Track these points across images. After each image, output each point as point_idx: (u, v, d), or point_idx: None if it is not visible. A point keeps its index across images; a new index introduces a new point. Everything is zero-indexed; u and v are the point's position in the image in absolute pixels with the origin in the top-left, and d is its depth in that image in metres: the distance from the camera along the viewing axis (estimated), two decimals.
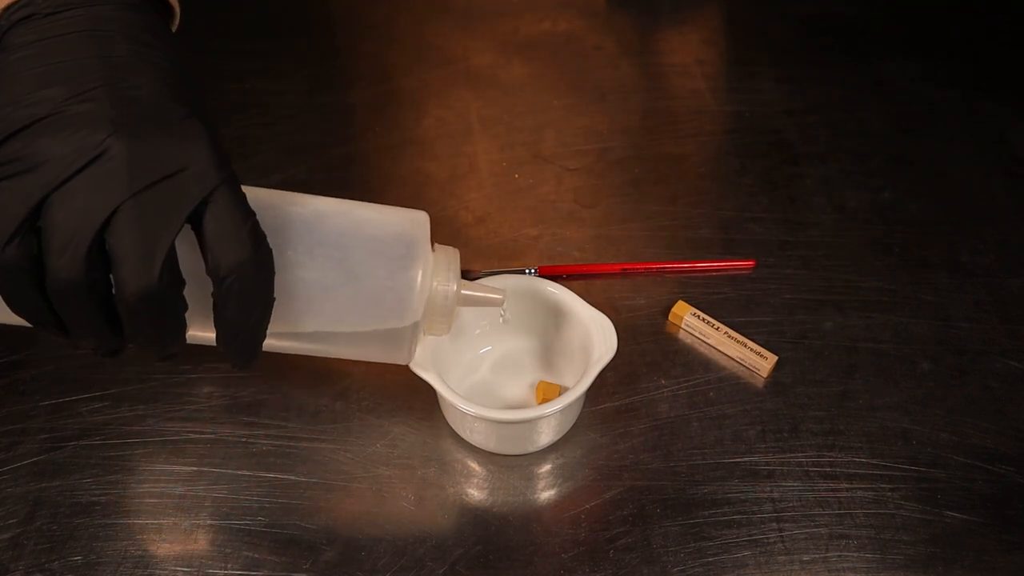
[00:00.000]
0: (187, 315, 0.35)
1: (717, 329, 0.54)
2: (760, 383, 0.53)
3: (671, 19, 0.54)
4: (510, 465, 0.49)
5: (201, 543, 0.46)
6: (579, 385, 0.46)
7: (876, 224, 0.63)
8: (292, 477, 0.49)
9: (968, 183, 0.66)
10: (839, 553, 0.46)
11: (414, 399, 0.52)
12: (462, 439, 0.50)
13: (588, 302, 0.49)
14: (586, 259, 0.60)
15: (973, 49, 0.78)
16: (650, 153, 0.68)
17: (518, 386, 0.52)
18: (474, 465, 0.49)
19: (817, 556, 0.46)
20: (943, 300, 0.58)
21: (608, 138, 0.69)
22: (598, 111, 0.72)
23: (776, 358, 0.53)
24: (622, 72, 0.76)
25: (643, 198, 0.65)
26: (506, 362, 0.53)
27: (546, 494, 0.48)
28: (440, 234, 0.61)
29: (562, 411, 0.46)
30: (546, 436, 0.49)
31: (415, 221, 0.43)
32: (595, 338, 0.48)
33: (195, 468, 0.49)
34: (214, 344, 0.37)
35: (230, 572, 0.45)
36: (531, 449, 0.49)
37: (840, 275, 0.59)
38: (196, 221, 0.33)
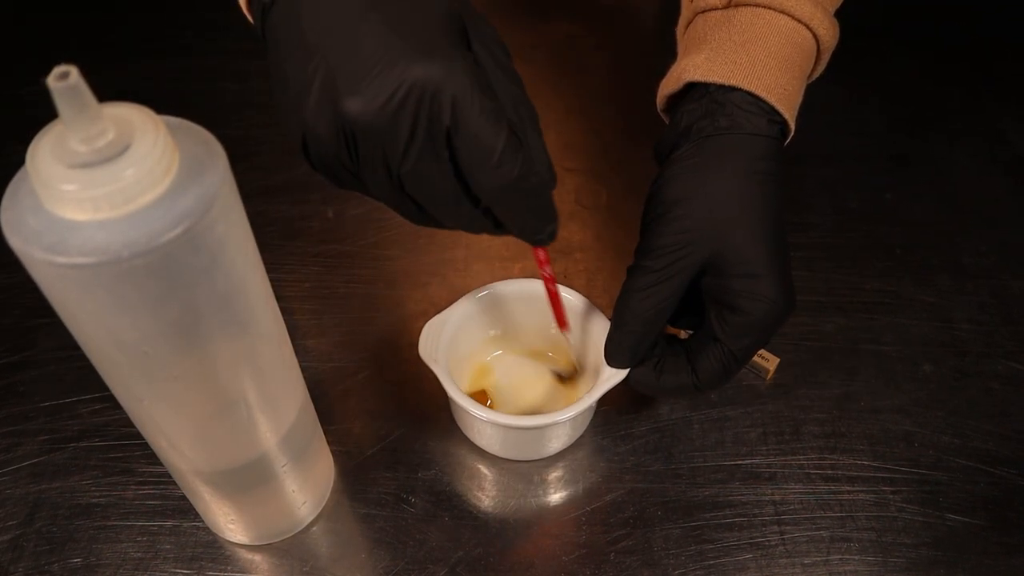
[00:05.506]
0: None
1: None
2: (761, 385, 0.53)
3: (672, 19, 0.54)
4: (510, 467, 0.49)
5: (201, 545, 0.46)
6: (589, 396, 0.45)
7: (877, 225, 0.63)
8: None
9: (969, 183, 0.66)
10: (841, 556, 0.46)
11: (415, 401, 0.51)
12: (463, 441, 0.50)
13: (596, 304, 0.49)
14: (588, 260, 0.60)
15: (973, 49, 0.78)
16: (652, 153, 0.68)
17: (529, 392, 0.52)
18: (475, 467, 0.49)
19: (819, 559, 0.46)
20: (945, 302, 0.58)
21: (609, 138, 0.69)
22: (599, 111, 0.71)
23: (777, 360, 0.53)
24: (623, 72, 0.75)
25: (644, 198, 0.64)
26: (518, 368, 0.53)
27: (547, 496, 0.48)
28: (439, 236, 0.61)
29: (571, 422, 0.46)
30: (554, 445, 0.49)
31: None
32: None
33: None
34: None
35: (229, 574, 0.45)
36: (537, 456, 0.49)
37: (841, 276, 0.59)
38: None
